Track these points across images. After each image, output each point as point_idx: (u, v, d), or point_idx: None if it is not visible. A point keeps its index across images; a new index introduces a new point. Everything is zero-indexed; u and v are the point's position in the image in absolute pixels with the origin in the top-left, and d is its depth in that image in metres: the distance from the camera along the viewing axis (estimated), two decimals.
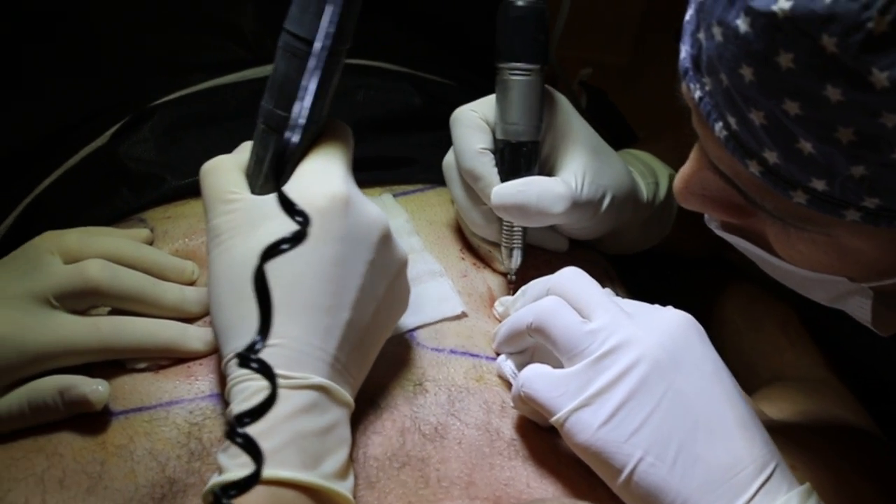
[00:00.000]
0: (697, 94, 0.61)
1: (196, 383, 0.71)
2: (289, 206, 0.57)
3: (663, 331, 0.68)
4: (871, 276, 0.64)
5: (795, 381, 0.98)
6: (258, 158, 0.70)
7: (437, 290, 0.80)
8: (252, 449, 0.54)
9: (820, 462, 0.76)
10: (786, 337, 1.04)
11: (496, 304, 0.82)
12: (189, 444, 0.68)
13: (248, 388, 0.63)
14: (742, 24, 0.54)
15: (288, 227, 0.59)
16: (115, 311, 0.74)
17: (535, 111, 0.80)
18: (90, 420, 0.69)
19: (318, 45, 0.61)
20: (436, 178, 0.91)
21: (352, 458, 0.67)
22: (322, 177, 0.67)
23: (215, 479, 0.60)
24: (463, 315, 0.80)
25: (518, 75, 0.80)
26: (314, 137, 0.69)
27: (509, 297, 0.81)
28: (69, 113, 0.95)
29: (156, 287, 0.74)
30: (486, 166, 0.81)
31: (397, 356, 0.74)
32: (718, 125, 0.60)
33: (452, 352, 0.77)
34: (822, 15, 0.51)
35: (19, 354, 0.69)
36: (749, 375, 1.00)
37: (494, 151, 0.82)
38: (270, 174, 0.69)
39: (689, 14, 0.61)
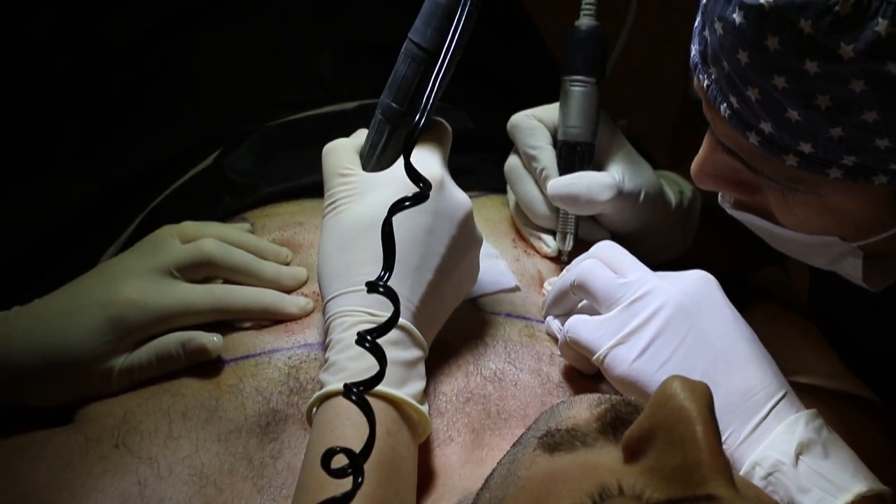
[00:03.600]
0: (706, 83, 0.74)
1: (293, 336, 0.85)
2: (414, 174, 0.71)
3: (686, 282, 0.81)
4: (859, 234, 0.76)
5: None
6: (373, 143, 0.85)
7: (495, 268, 0.93)
8: (379, 353, 0.65)
9: (827, 404, 0.85)
10: (807, 343, 1.13)
11: (545, 283, 0.95)
12: (289, 383, 0.81)
13: (345, 322, 0.76)
14: (737, 16, 0.67)
15: (392, 195, 0.72)
16: (225, 283, 0.88)
17: (590, 117, 0.95)
18: (206, 367, 0.83)
19: (442, 55, 0.76)
20: (489, 187, 1.06)
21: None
22: (423, 161, 0.80)
23: (332, 385, 0.72)
24: (516, 288, 0.93)
25: (577, 85, 0.95)
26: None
27: (556, 278, 0.94)
28: (178, 143, 1.12)
29: (259, 263, 0.88)
30: (547, 158, 0.95)
31: (460, 319, 0.87)
32: (723, 106, 0.73)
33: (508, 315, 0.90)
34: (799, 3, 0.64)
35: (148, 315, 0.83)
36: None
37: (555, 149, 0.96)
38: (383, 154, 0.84)
39: (698, 20, 0.75)
